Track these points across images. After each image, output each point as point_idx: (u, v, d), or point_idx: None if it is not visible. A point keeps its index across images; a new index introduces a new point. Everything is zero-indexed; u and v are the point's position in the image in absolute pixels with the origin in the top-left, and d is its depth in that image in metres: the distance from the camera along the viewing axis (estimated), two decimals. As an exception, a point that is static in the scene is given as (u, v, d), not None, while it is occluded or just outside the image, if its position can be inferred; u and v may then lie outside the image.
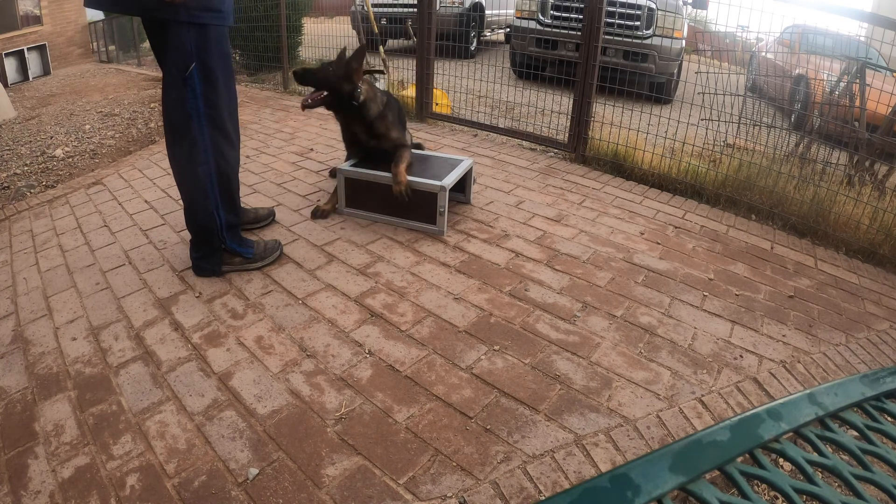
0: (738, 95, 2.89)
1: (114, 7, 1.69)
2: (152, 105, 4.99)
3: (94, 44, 13.42)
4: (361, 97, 2.20)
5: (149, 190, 2.72)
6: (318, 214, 2.33)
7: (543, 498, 0.95)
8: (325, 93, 2.17)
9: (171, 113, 1.68)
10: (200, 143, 1.69)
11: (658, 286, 1.91)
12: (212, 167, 1.72)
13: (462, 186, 2.46)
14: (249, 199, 2.52)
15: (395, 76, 4.46)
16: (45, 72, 11.62)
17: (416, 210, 2.19)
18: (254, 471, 1.15)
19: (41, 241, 2.27)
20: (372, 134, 2.31)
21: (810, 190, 2.59)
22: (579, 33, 3.07)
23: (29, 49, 11.24)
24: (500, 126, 3.59)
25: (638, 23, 4.93)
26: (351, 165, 2.30)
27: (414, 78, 3.91)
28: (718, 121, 2.82)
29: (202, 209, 1.77)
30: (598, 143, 3.13)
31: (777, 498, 1.27)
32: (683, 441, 0.39)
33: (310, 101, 2.16)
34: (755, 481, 0.39)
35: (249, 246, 1.93)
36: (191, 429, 1.26)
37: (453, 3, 6.62)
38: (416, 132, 3.65)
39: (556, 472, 1.16)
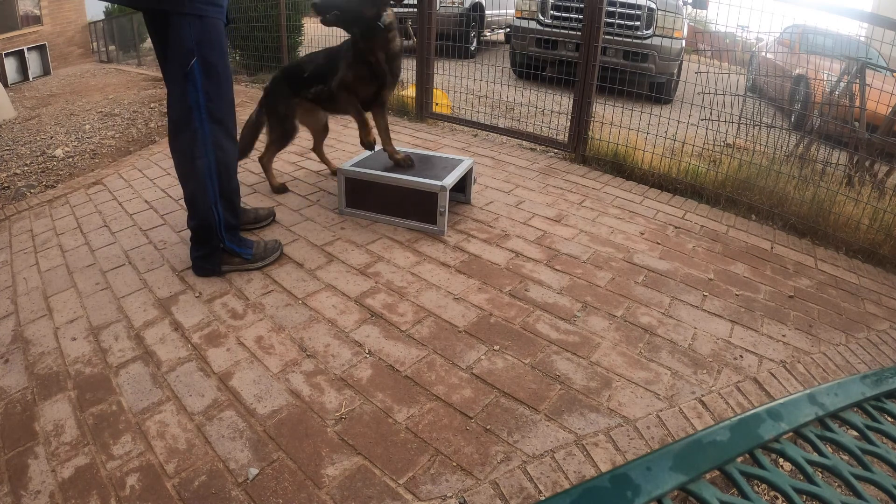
0: (738, 95, 2.89)
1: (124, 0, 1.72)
2: (152, 105, 4.99)
3: (94, 44, 13.44)
4: (387, 20, 2.12)
5: (149, 190, 2.72)
6: (367, 146, 2.32)
7: (543, 498, 0.94)
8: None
9: (173, 107, 1.71)
10: (200, 136, 1.71)
11: (658, 286, 1.91)
12: (211, 160, 1.74)
13: (462, 186, 2.46)
14: (249, 199, 2.52)
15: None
16: (45, 72, 11.63)
17: (417, 210, 2.19)
18: (254, 471, 1.15)
19: (41, 241, 2.27)
20: (392, 70, 2.25)
21: (810, 190, 2.59)
22: (579, 33, 3.07)
23: (29, 49, 11.25)
24: (500, 126, 3.59)
25: (638, 23, 4.93)
26: (351, 165, 2.30)
27: (414, 78, 3.91)
28: (718, 121, 2.82)
29: (201, 203, 1.78)
30: (598, 143, 3.13)
31: (777, 498, 1.27)
32: (683, 441, 0.39)
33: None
34: (755, 481, 0.38)
35: (248, 247, 1.93)
36: (191, 429, 1.26)
37: (453, 3, 6.62)
38: (416, 132, 3.65)
39: (556, 472, 1.16)
